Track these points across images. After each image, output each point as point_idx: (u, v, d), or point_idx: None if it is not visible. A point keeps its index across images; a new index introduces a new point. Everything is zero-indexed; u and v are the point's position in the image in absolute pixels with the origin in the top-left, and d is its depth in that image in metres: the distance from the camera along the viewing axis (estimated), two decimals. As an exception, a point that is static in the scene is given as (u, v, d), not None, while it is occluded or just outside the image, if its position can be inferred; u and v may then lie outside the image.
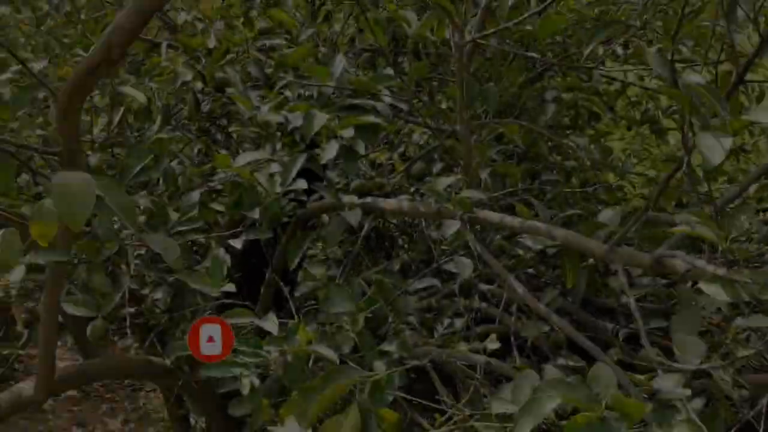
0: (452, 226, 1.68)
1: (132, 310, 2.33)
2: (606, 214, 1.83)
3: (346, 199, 2.20)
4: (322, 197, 2.40)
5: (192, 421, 3.28)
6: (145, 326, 2.38)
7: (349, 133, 1.73)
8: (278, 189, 1.77)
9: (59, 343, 2.85)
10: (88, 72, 1.11)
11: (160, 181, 2.17)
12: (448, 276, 2.52)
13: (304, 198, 2.22)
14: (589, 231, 1.77)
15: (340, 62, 1.83)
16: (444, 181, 1.80)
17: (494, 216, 1.87)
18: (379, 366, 1.68)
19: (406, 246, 4.48)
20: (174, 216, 1.82)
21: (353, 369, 0.90)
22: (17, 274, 1.16)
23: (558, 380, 1.09)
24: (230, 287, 1.72)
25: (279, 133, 2.05)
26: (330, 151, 1.73)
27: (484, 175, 1.87)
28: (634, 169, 2.14)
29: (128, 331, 2.01)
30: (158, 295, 2.35)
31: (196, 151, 2.92)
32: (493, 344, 0.92)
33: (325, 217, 4.02)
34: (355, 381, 0.88)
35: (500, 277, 1.91)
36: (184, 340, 2.37)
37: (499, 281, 2.85)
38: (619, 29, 1.75)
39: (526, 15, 1.50)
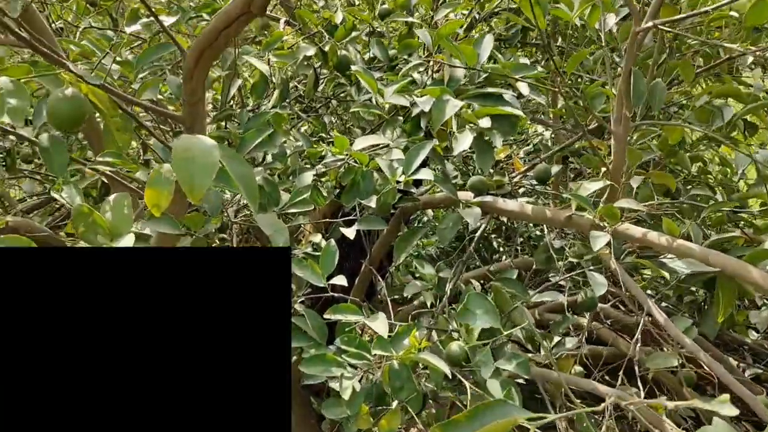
0: (601, 239, 1.47)
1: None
2: (775, 242, 1.56)
3: (463, 195, 2.03)
4: (426, 191, 2.25)
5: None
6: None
7: (485, 123, 1.55)
8: (401, 177, 1.61)
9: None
10: (225, 25, 0.99)
11: (266, 158, 2.07)
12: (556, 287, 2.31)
13: (409, 189, 2.07)
14: (754, 259, 1.52)
15: (488, 43, 1.64)
16: (588, 186, 1.59)
17: (636, 231, 1.65)
18: (494, 386, 1.50)
19: (502, 249, 4.24)
20: (285, 197, 1.70)
21: (511, 406, 0.73)
22: (126, 242, 1.06)
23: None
24: (340, 280, 1.58)
25: (400, 118, 1.90)
26: (463, 141, 1.56)
27: (636, 183, 1.64)
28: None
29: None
30: (254, 276, 2.27)
31: (302, 131, 2.82)
32: (728, 410, 0.71)
33: (430, 212, 3.86)
34: (515, 422, 0.70)
35: (637, 301, 1.69)
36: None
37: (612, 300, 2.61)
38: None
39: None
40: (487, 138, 1.61)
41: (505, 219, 3.48)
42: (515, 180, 2.19)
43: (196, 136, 0.99)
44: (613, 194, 1.60)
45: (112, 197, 1.19)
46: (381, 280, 2.40)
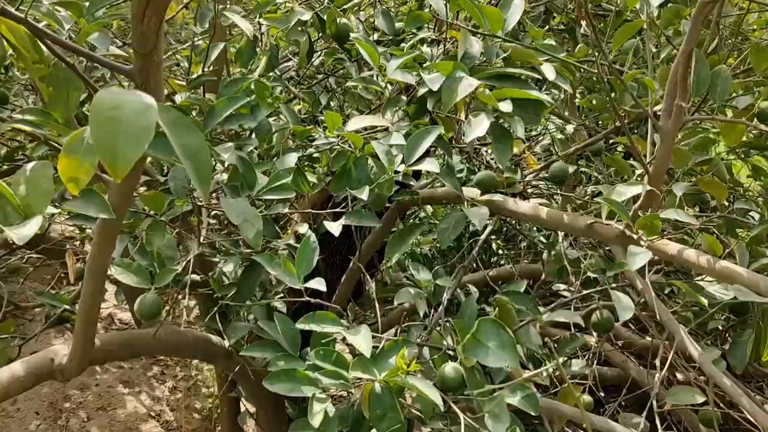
0: (641, 257, 1.22)
1: (198, 277, 2.01)
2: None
3: (468, 192, 1.78)
4: (426, 184, 2.00)
5: (242, 406, 2.98)
6: (209, 297, 2.05)
7: (506, 107, 1.29)
8: (400, 166, 1.36)
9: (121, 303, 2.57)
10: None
11: (252, 136, 1.82)
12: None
13: (408, 182, 1.82)
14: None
15: (519, 6, 1.38)
16: (623, 191, 1.33)
17: (671, 247, 1.40)
18: (497, 425, 1.25)
19: (501, 252, 3.97)
20: (262, 180, 1.44)
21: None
22: (31, 226, 0.80)
23: None
24: (318, 284, 1.32)
25: (404, 98, 1.64)
26: (479, 125, 1.30)
27: (680, 192, 1.39)
28: None
29: (188, 300, 1.65)
30: (228, 267, 2.02)
31: (296, 111, 2.57)
32: None
33: (429, 208, 3.61)
34: None
35: (666, 329, 1.45)
36: (248, 320, 2.03)
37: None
38: None
39: None
40: (506, 125, 1.35)
41: (507, 219, 3.23)
42: (527, 178, 1.94)
43: (129, 90, 0.74)
44: (648, 202, 1.35)
45: (29, 165, 0.93)
46: (370, 279, 2.16)
